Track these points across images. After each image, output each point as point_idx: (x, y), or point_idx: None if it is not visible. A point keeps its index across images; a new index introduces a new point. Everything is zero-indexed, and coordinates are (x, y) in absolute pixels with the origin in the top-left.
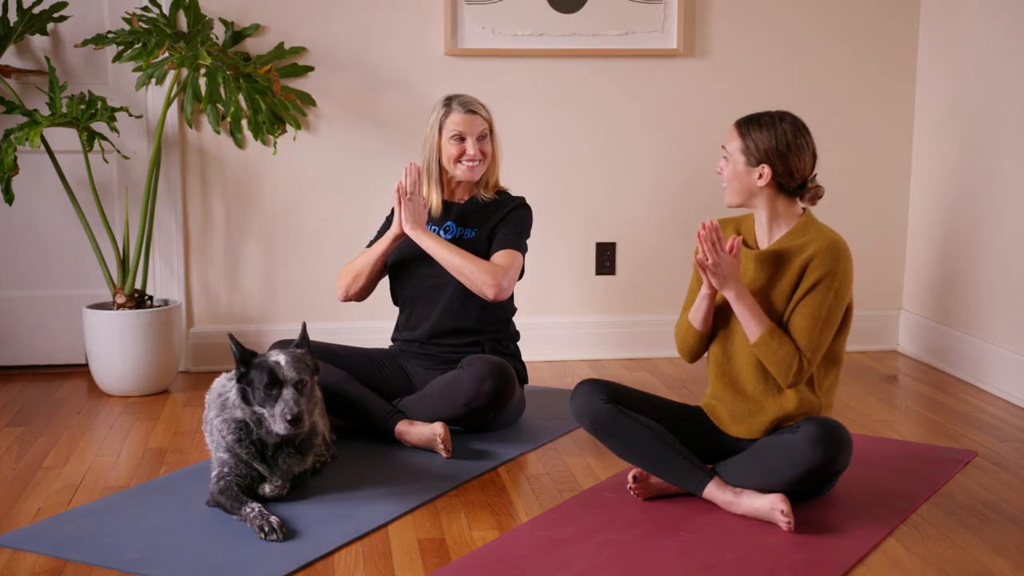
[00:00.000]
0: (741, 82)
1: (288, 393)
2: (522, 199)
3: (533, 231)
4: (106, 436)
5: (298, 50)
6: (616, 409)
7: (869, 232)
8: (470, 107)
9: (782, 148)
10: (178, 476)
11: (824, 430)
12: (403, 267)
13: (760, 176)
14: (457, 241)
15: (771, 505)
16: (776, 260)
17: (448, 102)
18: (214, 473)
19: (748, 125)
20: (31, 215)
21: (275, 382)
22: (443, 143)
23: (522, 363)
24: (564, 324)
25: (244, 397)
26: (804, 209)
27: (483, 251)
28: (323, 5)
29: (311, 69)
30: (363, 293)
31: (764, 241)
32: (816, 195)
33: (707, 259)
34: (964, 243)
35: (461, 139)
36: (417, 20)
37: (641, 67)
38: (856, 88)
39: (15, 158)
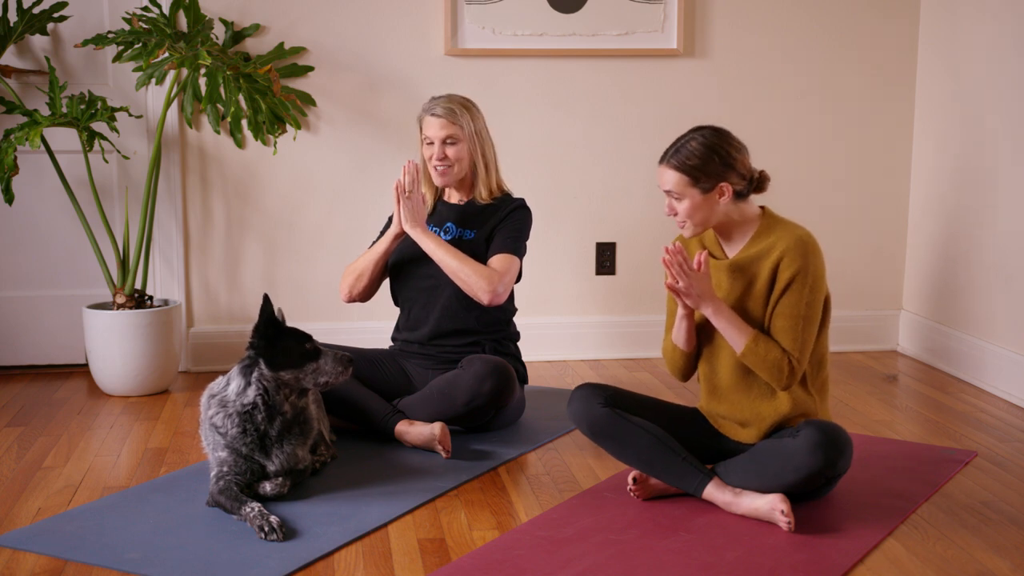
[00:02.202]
0: (741, 82)
1: (326, 348)
2: (522, 201)
3: (533, 231)
4: (106, 436)
5: (298, 50)
6: (614, 413)
7: (869, 232)
8: (434, 110)
9: (727, 160)
10: (178, 476)
11: (825, 435)
12: (402, 267)
13: (721, 195)
14: (457, 242)
15: (771, 505)
16: (746, 267)
17: (428, 103)
18: (213, 473)
19: (678, 157)
20: (31, 215)
21: (310, 339)
22: (422, 142)
23: (522, 363)
24: (564, 324)
25: (271, 363)
26: (762, 208)
27: (482, 252)
28: (323, 5)
29: (311, 69)
30: (367, 293)
31: (731, 250)
32: (764, 179)
33: (677, 282)
34: (964, 243)
35: (430, 142)
36: (417, 20)
37: (641, 67)
38: (856, 88)
39: (15, 158)
